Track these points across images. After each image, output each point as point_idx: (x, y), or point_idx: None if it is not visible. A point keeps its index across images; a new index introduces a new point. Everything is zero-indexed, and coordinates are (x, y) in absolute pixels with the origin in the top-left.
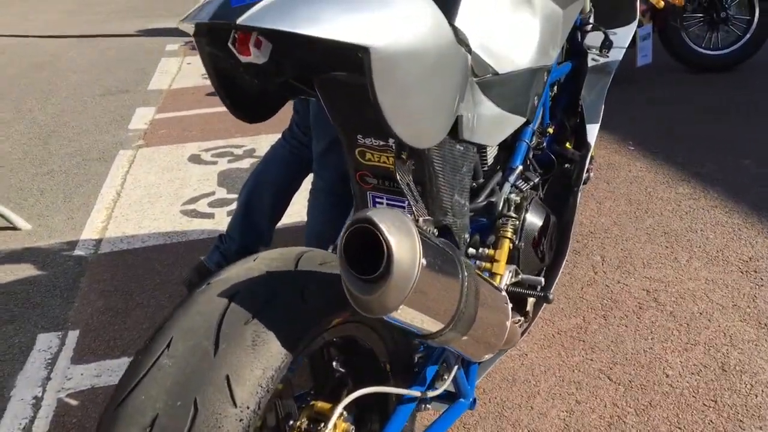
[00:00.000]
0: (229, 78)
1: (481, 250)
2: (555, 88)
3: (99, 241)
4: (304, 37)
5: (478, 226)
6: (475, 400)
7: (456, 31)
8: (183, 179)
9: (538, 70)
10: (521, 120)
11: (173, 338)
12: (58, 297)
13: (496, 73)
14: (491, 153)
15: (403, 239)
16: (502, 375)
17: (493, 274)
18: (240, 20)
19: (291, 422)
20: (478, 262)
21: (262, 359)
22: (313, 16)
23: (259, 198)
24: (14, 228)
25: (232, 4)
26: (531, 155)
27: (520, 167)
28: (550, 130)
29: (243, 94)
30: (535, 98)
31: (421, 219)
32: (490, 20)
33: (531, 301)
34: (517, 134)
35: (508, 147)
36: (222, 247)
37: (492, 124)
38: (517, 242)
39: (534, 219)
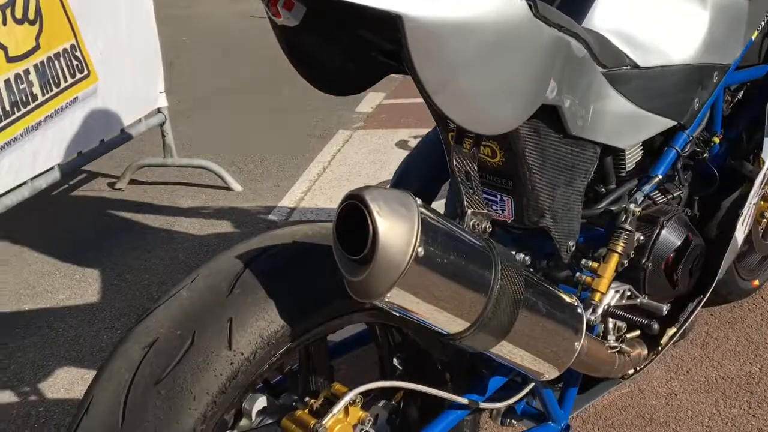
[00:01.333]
0: (297, 46)
1: (585, 261)
2: (741, 93)
3: (292, 210)
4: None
5: (595, 235)
6: (568, 426)
7: (539, 8)
8: (384, 162)
9: (704, 69)
10: (669, 123)
11: (199, 276)
12: None
13: (635, 66)
14: (633, 156)
15: (396, 222)
16: (640, 411)
17: (593, 291)
18: None
19: (308, 398)
20: (578, 274)
21: (269, 312)
22: None
23: (407, 183)
24: (227, 188)
25: None
26: (681, 165)
27: (660, 177)
28: (716, 140)
29: (318, 64)
30: (696, 101)
31: (470, 211)
32: (636, 6)
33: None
34: (667, 139)
35: (654, 152)
36: None
37: (622, 123)
38: (644, 261)
39: (670, 238)
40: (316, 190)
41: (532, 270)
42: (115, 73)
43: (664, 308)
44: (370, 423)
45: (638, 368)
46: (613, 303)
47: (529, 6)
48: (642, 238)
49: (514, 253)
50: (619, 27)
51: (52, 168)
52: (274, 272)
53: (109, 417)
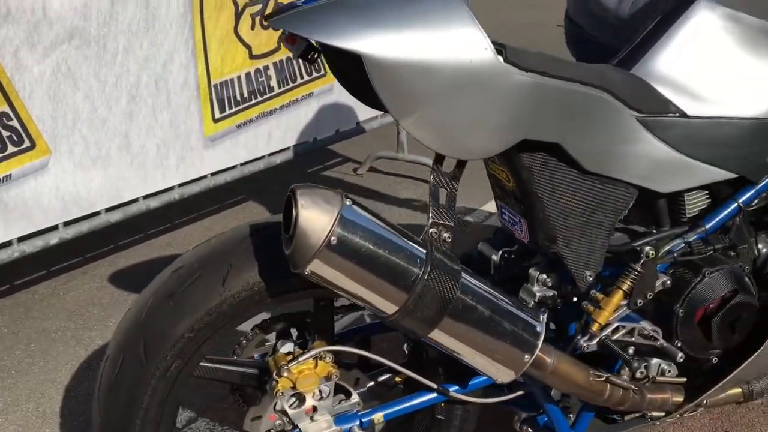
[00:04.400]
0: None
1: (593, 292)
2: None
3: (490, 214)
4: (307, 39)
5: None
6: None
7: (510, 54)
8: None
9: None
10: (725, 175)
11: (213, 238)
12: None
13: (683, 114)
14: (694, 201)
15: (315, 214)
16: None
17: (593, 320)
18: (270, 20)
19: (296, 348)
20: (585, 302)
21: (256, 271)
22: (325, 21)
23: None
24: None
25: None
26: (741, 219)
27: (706, 227)
28: None
29: (353, 82)
30: None
31: (431, 221)
32: (697, 56)
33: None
34: (732, 191)
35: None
36: None
37: (660, 168)
38: (676, 306)
39: (710, 289)
40: None
41: (486, 282)
42: None
43: (679, 356)
44: (336, 378)
45: (670, 413)
46: (618, 337)
47: (499, 52)
48: (669, 282)
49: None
50: (672, 75)
51: (287, 148)
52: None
53: (137, 315)
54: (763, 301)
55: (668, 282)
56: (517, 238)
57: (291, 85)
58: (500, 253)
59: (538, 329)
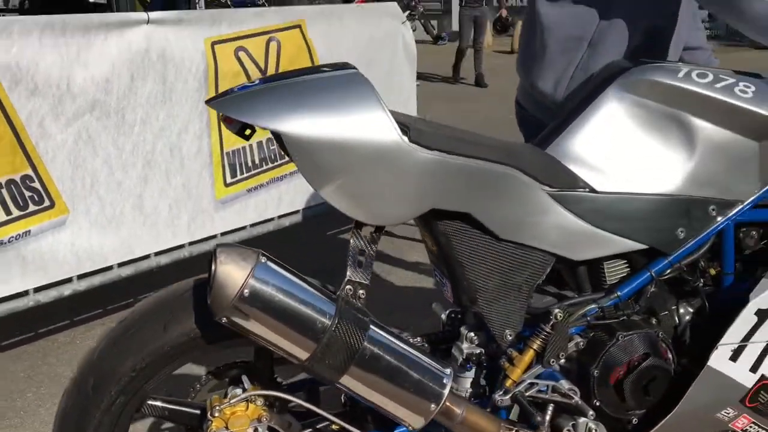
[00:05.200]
0: None
1: (510, 350)
2: None
3: None
4: (233, 119)
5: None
6: None
7: (414, 136)
8: None
9: (692, 202)
10: (636, 246)
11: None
12: None
13: (592, 190)
14: (613, 269)
15: (231, 268)
16: None
17: (506, 376)
18: (208, 103)
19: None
20: (502, 359)
21: (193, 317)
22: (253, 105)
23: None
24: None
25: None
26: (654, 288)
27: (619, 293)
28: (713, 271)
29: None
30: (680, 230)
31: (347, 278)
32: (609, 138)
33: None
34: (646, 261)
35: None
36: None
37: (573, 238)
38: (591, 368)
39: (623, 352)
40: None
41: (398, 335)
42: None
43: (590, 413)
44: (267, 420)
45: None
46: (533, 393)
47: (405, 132)
48: (584, 344)
49: None
50: (583, 154)
51: (297, 211)
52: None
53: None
54: (683, 366)
55: (582, 344)
56: None
57: None
58: (447, 312)
59: (444, 381)
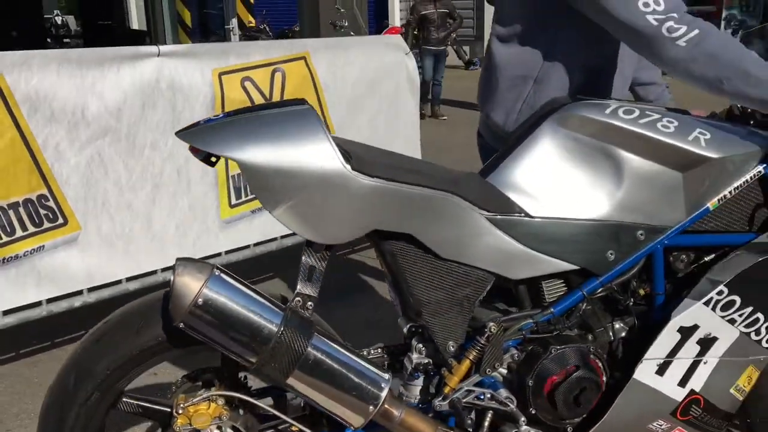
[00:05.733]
0: None
1: (450, 359)
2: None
3: None
4: (198, 149)
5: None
6: None
7: (357, 165)
8: None
9: (620, 227)
10: (568, 266)
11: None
12: None
13: (527, 215)
14: (551, 287)
15: (187, 280)
16: None
17: (445, 384)
18: (176, 134)
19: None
20: (443, 368)
21: (162, 324)
22: (215, 137)
23: None
24: None
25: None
26: (585, 307)
27: (553, 310)
28: (642, 291)
29: None
30: (610, 253)
31: (298, 290)
32: (545, 167)
33: None
34: (581, 280)
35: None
36: None
37: (510, 258)
38: (527, 378)
39: (555, 364)
40: None
41: (341, 343)
42: None
43: (522, 419)
44: (228, 419)
45: None
46: (470, 400)
47: (348, 161)
48: (519, 356)
49: None
50: (519, 182)
51: None
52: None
53: (74, 353)
54: (615, 379)
55: (518, 355)
56: None
57: None
58: (408, 326)
59: (382, 384)
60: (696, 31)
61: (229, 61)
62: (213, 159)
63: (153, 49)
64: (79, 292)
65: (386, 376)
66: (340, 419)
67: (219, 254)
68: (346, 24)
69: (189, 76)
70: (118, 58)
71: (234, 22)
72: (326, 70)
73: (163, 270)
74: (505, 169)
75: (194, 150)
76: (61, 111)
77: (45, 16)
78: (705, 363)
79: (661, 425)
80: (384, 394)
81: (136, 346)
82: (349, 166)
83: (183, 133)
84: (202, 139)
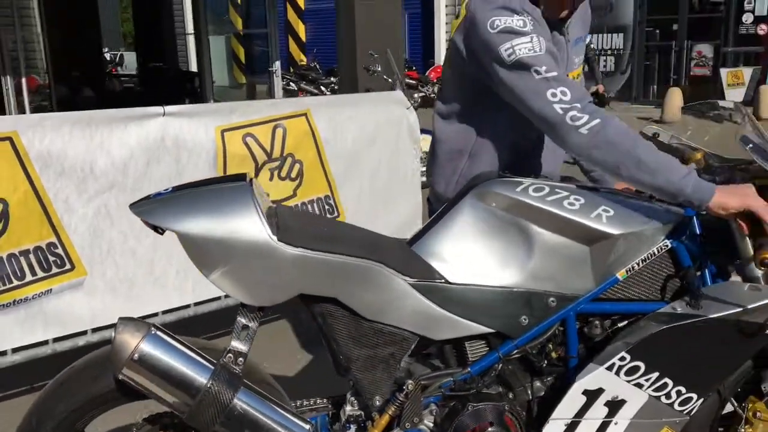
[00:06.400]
0: None
1: (374, 413)
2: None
3: None
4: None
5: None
6: None
7: (282, 236)
8: None
9: (532, 295)
10: (484, 330)
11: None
12: None
13: (447, 281)
14: (474, 348)
15: (125, 337)
16: None
17: None
18: (129, 206)
19: None
20: (368, 421)
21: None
22: (158, 210)
23: None
24: None
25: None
26: (504, 367)
27: (471, 370)
28: (554, 355)
29: None
30: (523, 318)
31: (231, 345)
32: (457, 239)
33: None
34: (500, 342)
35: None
36: None
37: (430, 321)
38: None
39: (469, 420)
40: None
41: (268, 397)
42: (362, 215)
43: None
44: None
45: None
46: None
47: (275, 232)
48: (438, 411)
49: None
50: (440, 251)
51: None
52: None
53: (40, 396)
54: None
55: (438, 411)
56: None
57: None
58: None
59: None
60: (597, 121)
61: (232, 118)
62: (160, 230)
63: (159, 109)
64: (84, 332)
65: (307, 427)
66: None
67: (218, 298)
68: (380, 69)
69: (193, 133)
70: (126, 118)
71: (277, 64)
72: (327, 125)
73: (164, 312)
74: (429, 238)
75: (144, 221)
76: (71, 167)
77: (110, 52)
78: (616, 424)
79: None
80: None
81: (91, 393)
82: (275, 237)
83: (133, 207)
84: (148, 213)
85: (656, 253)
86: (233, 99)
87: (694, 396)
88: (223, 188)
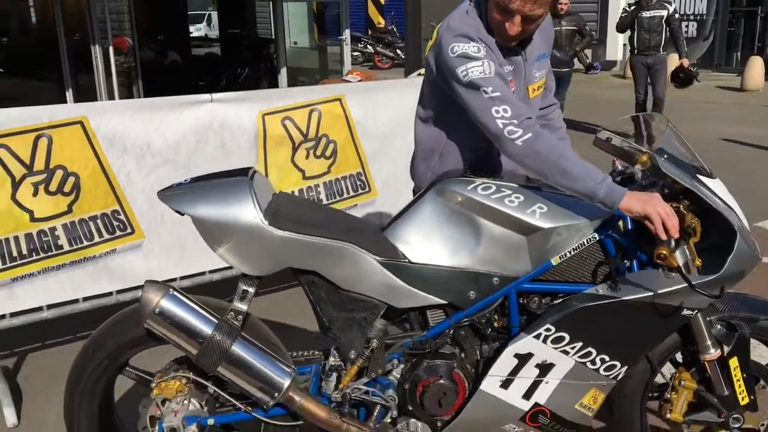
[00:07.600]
0: None
1: (347, 364)
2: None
3: None
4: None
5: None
6: None
7: (271, 220)
8: None
9: (478, 275)
10: (439, 301)
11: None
12: None
13: (409, 261)
14: (434, 316)
15: (150, 295)
16: None
17: (340, 381)
18: (157, 193)
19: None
20: (343, 370)
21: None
22: (179, 197)
23: None
24: None
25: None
26: (457, 332)
27: (426, 333)
28: (497, 324)
29: None
30: (471, 293)
31: (233, 304)
32: (419, 227)
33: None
34: (450, 312)
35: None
36: None
37: (396, 292)
38: (404, 382)
39: (423, 373)
40: None
41: (259, 346)
42: (392, 191)
43: (394, 412)
44: (187, 392)
45: None
46: (358, 395)
47: (266, 217)
48: (399, 364)
49: None
50: (404, 235)
51: None
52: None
53: (96, 330)
54: (473, 387)
55: (398, 365)
56: None
57: (338, 198)
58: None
59: (286, 377)
60: (529, 134)
61: (272, 103)
62: (180, 212)
63: (207, 96)
64: (141, 286)
65: (289, 370)
66: (257, 400)
67: None
68: None
69: (237, 116)
70: (179, 104)
71: (347, 32)
72: (359, 109)
73: (211, 272)
74: (397, 225)
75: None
76: (132, 146)
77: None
78: (547, 383)
79: (514, 428)
80: (287, 383)
81: (132, 334)
82: (266, 222)
83: (160, 194)
84: (170, 199)
85: (586, 243)
86: (305, 63)
87: (618, 364)
88: (228, 181)
